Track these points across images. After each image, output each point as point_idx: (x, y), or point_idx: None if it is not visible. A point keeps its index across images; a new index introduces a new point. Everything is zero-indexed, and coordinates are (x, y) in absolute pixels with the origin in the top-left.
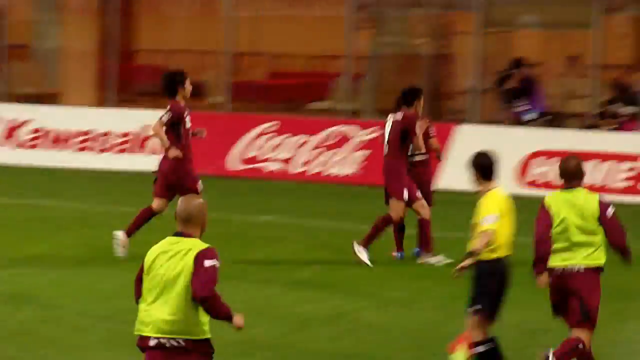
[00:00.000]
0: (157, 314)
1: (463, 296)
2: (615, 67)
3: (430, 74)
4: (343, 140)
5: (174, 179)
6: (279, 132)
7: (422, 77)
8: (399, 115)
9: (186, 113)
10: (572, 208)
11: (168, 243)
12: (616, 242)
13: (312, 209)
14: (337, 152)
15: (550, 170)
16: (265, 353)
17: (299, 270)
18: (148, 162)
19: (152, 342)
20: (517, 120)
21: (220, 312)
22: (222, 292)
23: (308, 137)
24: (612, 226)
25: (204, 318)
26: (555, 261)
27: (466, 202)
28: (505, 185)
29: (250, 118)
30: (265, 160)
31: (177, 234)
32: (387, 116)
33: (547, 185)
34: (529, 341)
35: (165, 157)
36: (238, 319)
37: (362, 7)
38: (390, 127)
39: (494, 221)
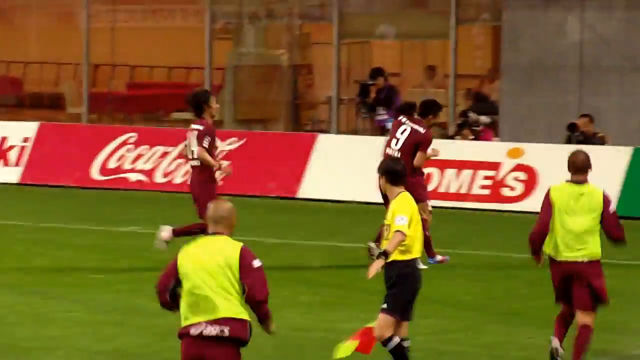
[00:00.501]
0: (201, 307)
1: (333, 303)
2: (472, 77)
3: (290, 84)
4: None
5: (201, 201)
6: (140, 143)
7: (281, 88)
8: (418, 127)
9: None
10: (576, 201)
11: (202, 242)
12: (616, 236)
13: (175, 219)
14: None
15: None
16: None
17: None
18: (6, 172)
19: (196, 331)
20: (377, 130)
21: (267, 314)
22: (85, 301)
23: (169, 148)
24: (612, 221)
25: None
26: (559, 252)
27: (327, 210)
28: (369, 194)
29: (110, 129)
30: (127, 171)
31: (210, 234)
32: (247, 126)
33: None
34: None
35: (197, 179)
36: (273, 325)
37: (221, 19)
38: (407, 133)
39: (406, 222)
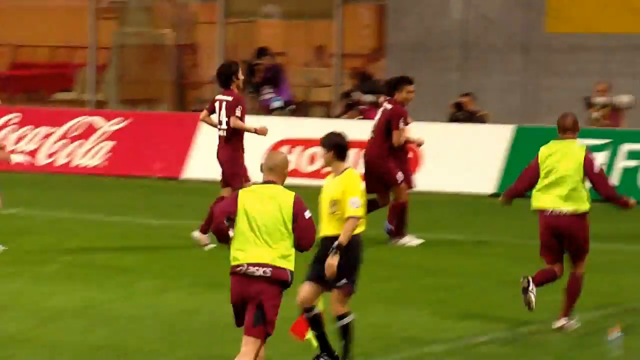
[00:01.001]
0: (251, 248)
1: (215, 284)
2: (357, 56)
3: (175, 64)
4: (88, 131)
5: (230, 169)
6: (23, 123)
7: (167, 68)
8: (387, 105)
9: None
10: (563, 156)
11: (258, 188)
12: (605, 193)
13: (59, 201)
14: (83, 144)
15: (295, 158)
16: (15, 347)
17: (47, 263)
18: None
19: (243, 270)
20: (263, 109)
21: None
22: None
23: (53, 129)
24: (599, 179)
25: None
26: (544, 202)
27: (213, 191)
28: (252, 173)
29: None
30: (10, 152)
31: (264, 182)
32: (132, 106)
33: (294, 173)
34: None
35: (225, 148)
36: None
37: None
38: (379, 114)
39: (359, 206)
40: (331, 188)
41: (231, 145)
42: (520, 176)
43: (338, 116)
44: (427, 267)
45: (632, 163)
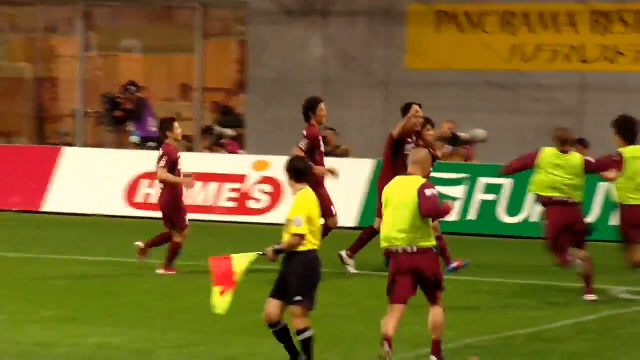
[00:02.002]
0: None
1: (79, 317)
2: (218, 91)
3: (34, 97)
4: None
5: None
6: None
7: (25, 101)
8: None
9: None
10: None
11: (400, 179)
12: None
13: None
14: None
15: (155, 192)
16: None
17: None
18: None
19: (394, 250)
20: (125, 143)
21: (440, 213)
22: None
23: None
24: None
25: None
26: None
27: (73, 224)
28: (115, 206)
29: None
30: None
31: (407, 174)
32: None
33: (155, 206)
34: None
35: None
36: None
37: None
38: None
39: (301, 224)
40: (288, 208)
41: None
42: (521, 157)
43: (199, 149)
44: None
45: (490, 197)
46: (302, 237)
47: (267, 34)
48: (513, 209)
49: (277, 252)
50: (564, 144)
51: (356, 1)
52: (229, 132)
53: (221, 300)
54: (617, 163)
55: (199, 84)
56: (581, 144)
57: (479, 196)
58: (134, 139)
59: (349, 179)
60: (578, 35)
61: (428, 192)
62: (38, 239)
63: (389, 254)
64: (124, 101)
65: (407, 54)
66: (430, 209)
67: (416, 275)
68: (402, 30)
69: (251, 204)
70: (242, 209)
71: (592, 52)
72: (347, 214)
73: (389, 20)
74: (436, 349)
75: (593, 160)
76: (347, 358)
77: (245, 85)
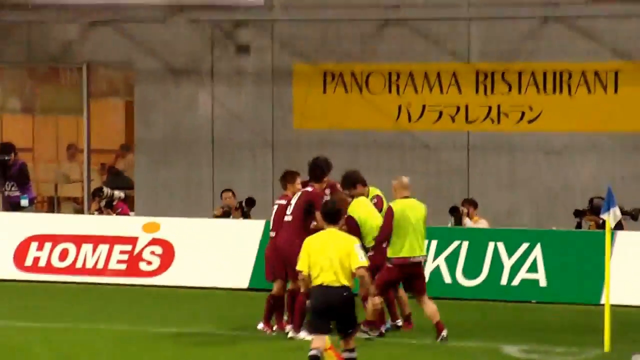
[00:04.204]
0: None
1: None
2: (106, 152)
3: None
4: None
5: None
6: None
7: None
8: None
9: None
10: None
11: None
12: None
13: None
14: None
15: (46, 253)
16: None
17: None
18: None
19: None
20: (12, 206)
21: None
22: None
23: None
24: None
25: None
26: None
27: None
28: (4, 270)
29: None
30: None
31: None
32: None
33: (47, 269)
34: None
35: None
36: None
37: None
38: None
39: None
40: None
41: None
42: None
43: (88, 211)
44: None
45: None
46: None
47: (154, 93)
48: None
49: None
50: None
51: (242, 61)
52: (119, 193)
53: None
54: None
55: (85, 145)
56: (470, 204)
57: None
58: (24, 202)
59: (240, 240)
60: (462, 96)
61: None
62: None
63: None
64: (5, 163)
65: (295, 114)
66: None
67: None
68: (289, 90)
69: (142, 266)
70: (132, 271)
71: (476, 112)
72: (240, 275)
73: (276, 80)
74: None
75: None
76: None
77: (132, 145)
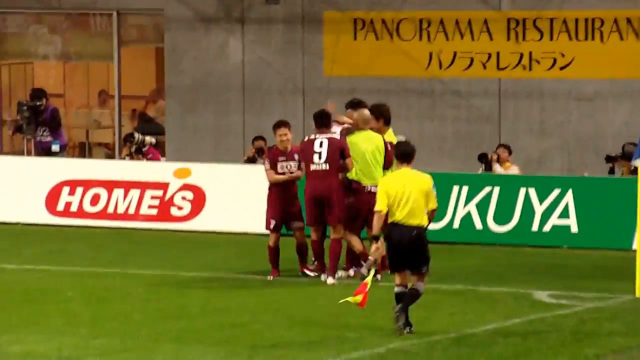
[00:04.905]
0: None
1: None
2: (137, 98)
3: None
4: None
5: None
6: None
7: None
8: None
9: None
10: None
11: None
12: None
13: None
14: None
15: (78, 198)
16: None
17: None
18: None
19: None
20: (44, 151)
21: None
22: None
23: None
24: None
25: None
26: None
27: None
28: (36, 215)
29: None
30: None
31: None
32: None
33: (78, 214)
34: None
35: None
36: None
37: None
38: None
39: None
40: None
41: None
42: None
43: (120, 156)
44: (214, 305)
45: None
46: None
47: (184, 40)
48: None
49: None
50: None
51: (272, 8)
52: (150, 139)
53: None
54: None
55: (116, 92)
56: (504, 149)
57: None
58: (55, 148)
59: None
60: (493, 43)
61: None
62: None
63: None
64: (37, 109)
65: (325, 61)
66: None
67: None
68: (319, 37)
69: (173, 212)
70: (163, 216)
71: (508, 59)
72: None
73: (306, 27)
74: None
75: None
76: None
77: (163, 92)
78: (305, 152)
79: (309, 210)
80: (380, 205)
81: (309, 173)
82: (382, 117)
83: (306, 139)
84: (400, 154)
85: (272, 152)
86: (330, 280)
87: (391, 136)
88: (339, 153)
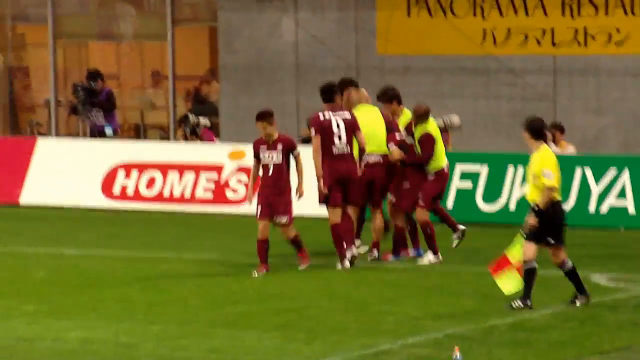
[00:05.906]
0: None
1: (59, 311)
2: (190, 78)
3: (6, 87)
4: None
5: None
6: None
7: None
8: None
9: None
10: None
11: None
12: None
13: None
14: None
15: (133, 181)
16: None
17: None
18: None
19: None
20: (98, 133)
21: None
22: None
23: None
24: None
25: None
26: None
27: (50, 216)
28: (91, 197)
29: None
30: None
31: None
32: None
33: (134, 197)
34: None
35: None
36: None
37: None
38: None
39: (552, 176)
40: (531, 163)
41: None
42: None
43: (174, 138)
44: (270, 291)
45: (466, 184)
46: (553, 189)
47: (238, 20)
48: (490, 196)
49: (536, 211)
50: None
51: None
52: (204, 120)
53: (504, 282)
54: None
55: (170, 72)
56: (557, 129)
57: (456, 184)
58: (108, 132)
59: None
60: (548, 19)
61: None
62: (17, 232)
63: None
64: (91, 90)
65: (378, 39)
66: None
67: None
68: (372, 14)
69: (228, 194)
70: (219, 199)
71: (563, 35)
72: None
73: (359, 5)
74: None
75: None
76: (333, 349)
77: (217, 72)
78: (324, 132)
79: (334, 192)
80: (556, 182)
81: (330, 155)
82: (395, 98)
83: (321, 117)
84: (533, 130)
85: (256, 142)
86: (354, 251)
87: (407, 115)
88: (352, 132)
